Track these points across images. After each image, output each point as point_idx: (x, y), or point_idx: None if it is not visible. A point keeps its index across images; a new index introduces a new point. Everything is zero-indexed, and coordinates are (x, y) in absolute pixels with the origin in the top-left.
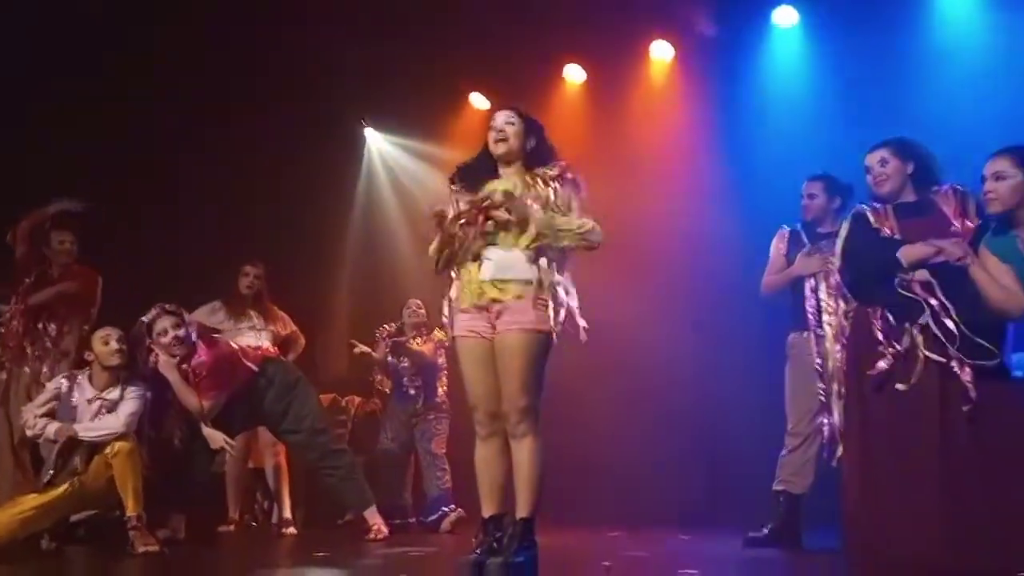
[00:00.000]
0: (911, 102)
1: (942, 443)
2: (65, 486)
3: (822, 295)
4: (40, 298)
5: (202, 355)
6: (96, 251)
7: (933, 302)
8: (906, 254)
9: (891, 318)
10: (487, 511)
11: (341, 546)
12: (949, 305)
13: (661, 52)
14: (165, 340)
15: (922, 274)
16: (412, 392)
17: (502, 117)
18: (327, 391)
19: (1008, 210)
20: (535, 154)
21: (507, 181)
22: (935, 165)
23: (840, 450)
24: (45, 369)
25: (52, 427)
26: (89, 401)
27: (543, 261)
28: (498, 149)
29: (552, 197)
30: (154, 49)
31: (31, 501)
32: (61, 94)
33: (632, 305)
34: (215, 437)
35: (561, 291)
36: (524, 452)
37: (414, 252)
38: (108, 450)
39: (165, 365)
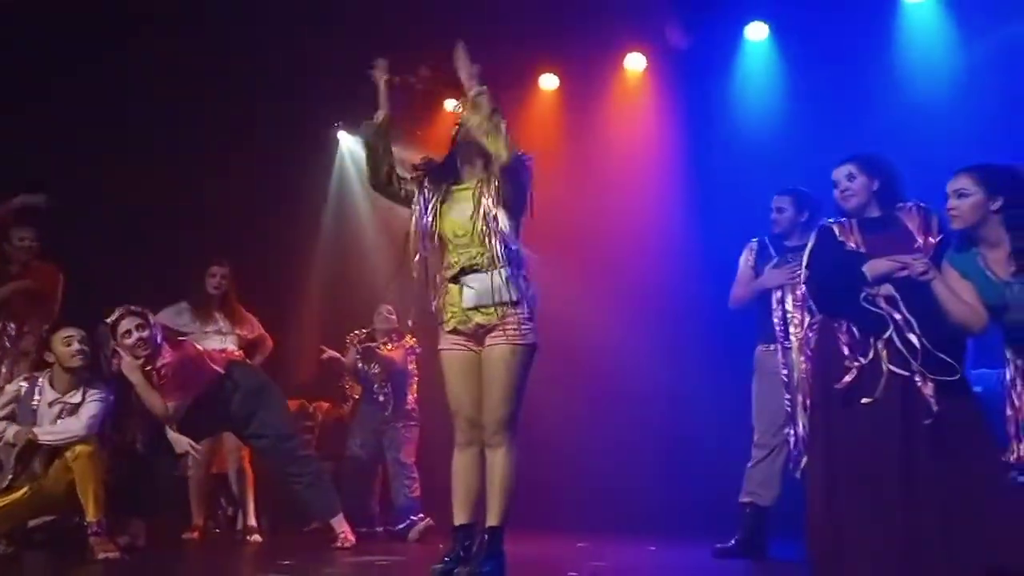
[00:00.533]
0: (878, 118)
1: (903, 456)
2: (24, 490)
3: (788, 307)
4: None
5: (167, 357)
6: (59, 248)
7: (897, 317)
8: (871, 268)
9: (856, 331)
10: (459, 519)
11: (307, 554)
12: (912, 320)
13: (634, 63)
14: (129, 341)
15: (887, 289)
16: (381, 399)
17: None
18: (295, 396)
19: (969, 227)
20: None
21: (464, 188)
22: (900, 182)
23: (804, 461)
24: (3, 370)
25: (11, 430)
26: (50, 404)
27: (522, 281)
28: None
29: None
30: (126, 47)
31: None
32: (27, 88)
33: (599, 315)
34: (180, 441)
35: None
36: (499, 461)
37: (386, 257)
38: (69, 454)
39: (128, 367)
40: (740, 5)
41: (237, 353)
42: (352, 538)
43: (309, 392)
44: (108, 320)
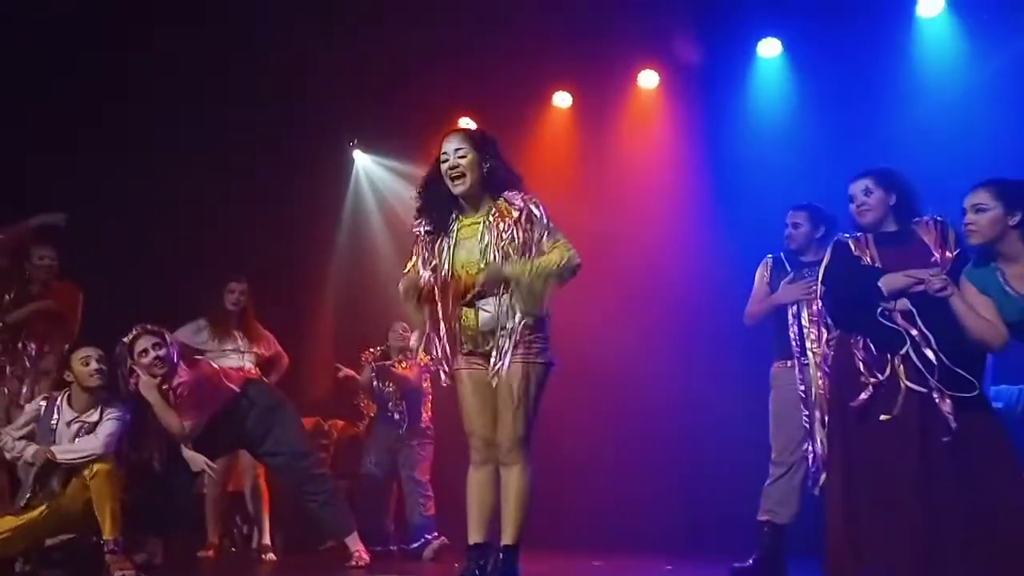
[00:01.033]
0: (893, 133)
1: (922, 473)
2: (42, 508)
3: (804, 323)
4: (18, 316)
5: (183, 376)
6: (76, 266)
7: (914, 332)
8: (887, 283)
9: (872, 347)
10: (473, 538)
11: (321, 572)
12: (929, 336)
13: (647, 80)
14: (145, 360)
15: (903, 304)
16: (396, 417)
17: (452, 148)
18: (310, 414)
19: (988, 242)
20: (494, 178)
21: (471, 223)
22: (916, 196)
23: (823, 479)
24: (25, 389)
25: (30, 450)
26: (68, 423)
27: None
28: (456, 189)
29: (519, 237)
30: (149, 66)
31: (7, 523)
32: (46, 105)
33: (615, 332)
34: (196, 460)
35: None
36: (514, 479)
37: (401, 275)
38: (86, 472)
39: (146, 386)
40: (752, 22)
41: (254, 371)
42: (367, 557)
43: (324, 410)
44: (125, 339)
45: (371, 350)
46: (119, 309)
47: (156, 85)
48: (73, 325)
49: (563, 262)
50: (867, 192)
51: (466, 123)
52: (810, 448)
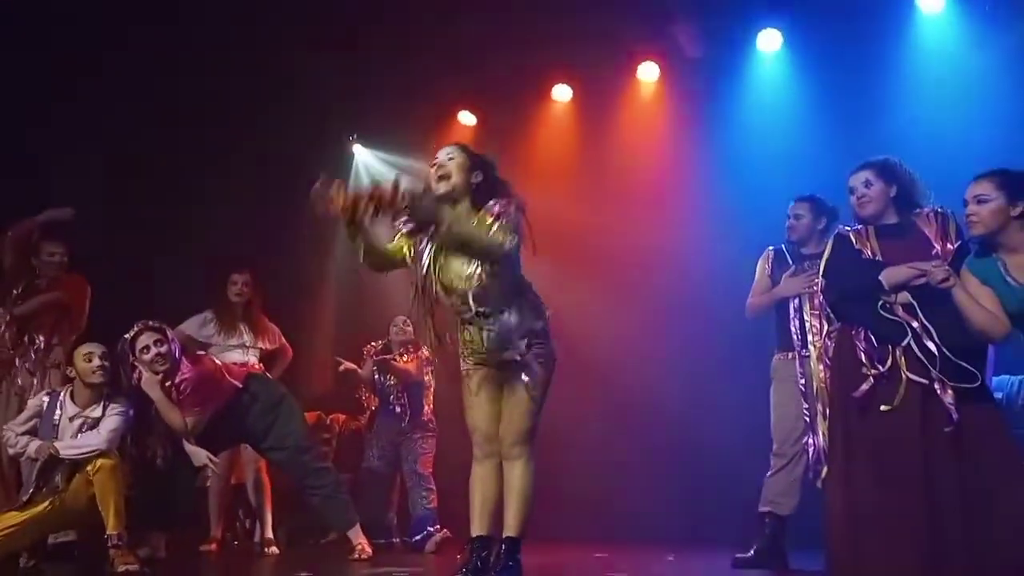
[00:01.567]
0: (894, 125)
1: (924, 464)
2: (46, 504)
3: (806, 316)
4: (26, 309)
5: (186, 372)
6: (87, 262)
7: (915, 324)
8: (888, 276)
9: (874, 340)
10: (476, 530)
11: (324, 565)
12: (931, 327)
13: (648, 72)
14: (147, 357)
15: (904, 296)
16: (398, 410)
17: (444, 152)
18: (312, 408)
19: (989, 233)
20: (482, 190)
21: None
22: (917, 188)
23: (824, 471)
24: (35, 382)
25: (33, 445)
26: (71, 419)
27: (532, 306)
28: (439, 188)
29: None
30: (146, 57)
31: (10, 519)
32: (50, 100)
33: (616, 323)
34: (198, 454)
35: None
36: (517, 473)
37: (401, 270)
38: (90, 468)
39: (148, 383)
40: (753, 14)
41: (257, 366)
42: (369, 550)
43: (326, 404)
44: (127, 336)
45: (372, 344)
46: (121, 304)
47: (154, 81)
48: (81, 318)
49: (486, 239)
50: (867, 184)
51: (466, 117)
52: (811, 440)
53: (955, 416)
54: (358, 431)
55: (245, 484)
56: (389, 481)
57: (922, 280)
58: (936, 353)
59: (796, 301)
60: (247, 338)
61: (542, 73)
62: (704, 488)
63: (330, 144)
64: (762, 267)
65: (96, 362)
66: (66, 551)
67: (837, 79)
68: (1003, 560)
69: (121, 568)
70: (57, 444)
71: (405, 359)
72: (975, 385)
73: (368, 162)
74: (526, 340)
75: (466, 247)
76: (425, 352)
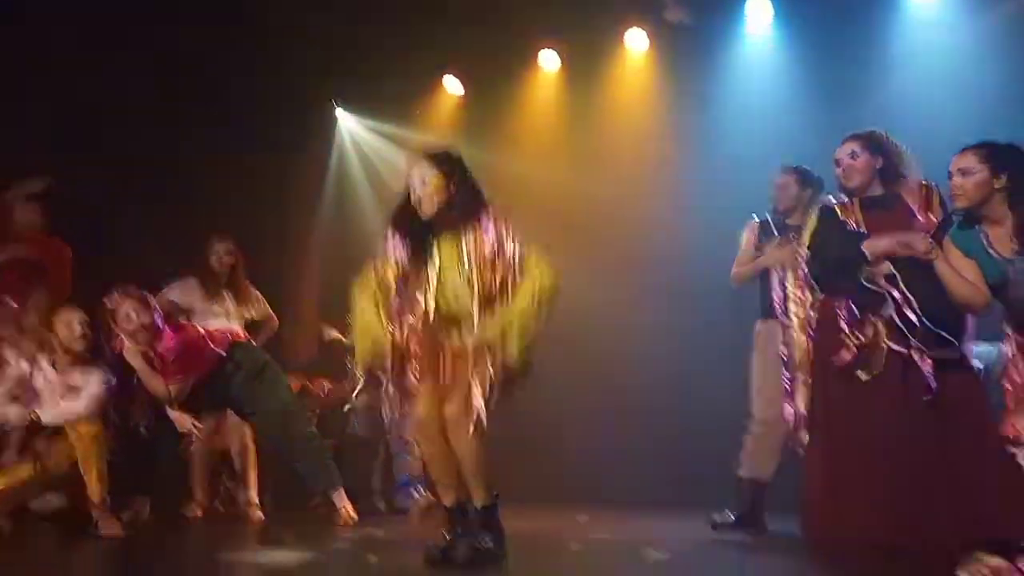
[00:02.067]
0: (881, 97)
1: (902, 431)
2: (28, 470)
3: (789, 285)
4: None
5: (168, 340)
6: (66, 229)
7: (896, 294)
8: (871, 247)
9: (855, 309)
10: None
11: (308, 530)
12: (911, 297)
13: (636, 41)
14: (128, 326)
15: (886, 267)
16: (383, 378)
17: (417, 178)
18: (296, 374)
19: (974, 205)
20: (460, 204)
21: (445, 249)
22: (903, 160)
23: (804, 437)
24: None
25: (14, 411)
26: (51, 384)
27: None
28: (424, 212)
29: (495, 279)
30: (119, 23)
31: None
32: (21, 65)
33: (601, 291)
34: (182, 420)
35: None
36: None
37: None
38: (72, 434)
39: (130, 352)
40: None
41: (241, 334)
42: (354, 514)
43: (311, 371)
44: (108, 303)
45: None
46: (101, 269)
47: (126, 41)
48: (63, 285)
49: (536, 297)
50: (853, 155)
51: (452, 83)
52: (790, 407)
53: (933, 385)
54: (343, 397)
55: (230, 449)
56: (373, 447)
57: (906, 252)
58: (916, 323)
59: (780, 271)
60: (230, 305)
61: (529, 39)
62: (685, 452)
63: (313, 109)
64: (747, 237)
65: (78, 330)
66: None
67: (826, 51)
68: (979, 527)
69: (104, 532)
70: (38, 411)
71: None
72: (954, 355)
73: (352, 128)
74: None
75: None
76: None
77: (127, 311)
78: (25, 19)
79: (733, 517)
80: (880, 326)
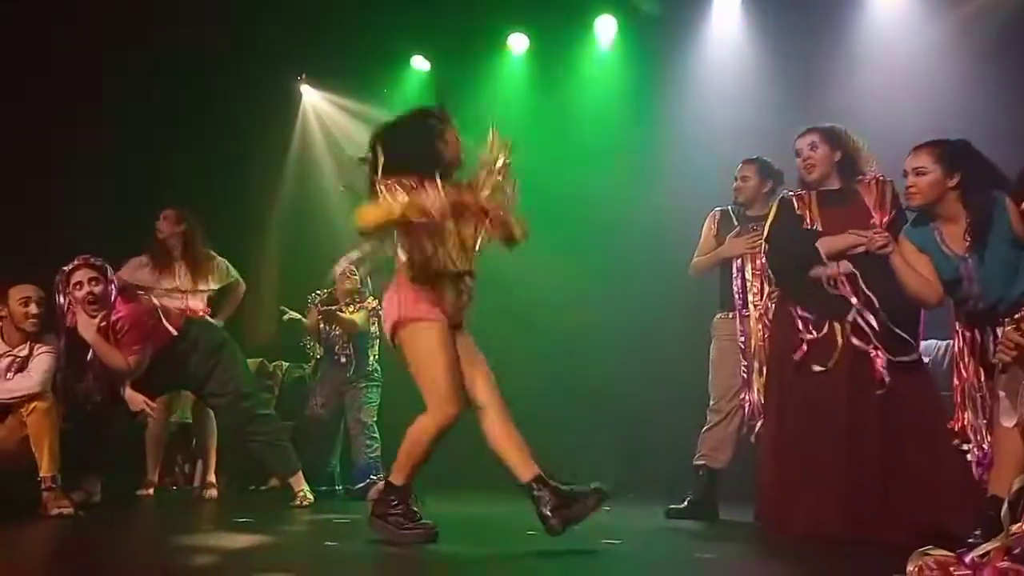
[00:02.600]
0: (845, 91)
1: (852, 424)
2: None
3: (748, 276)
4: None
5: (121, 311)
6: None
7: (855, 300)
8: (825, 246)
9: (810, 307)
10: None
11: (264, 511)
12: (873, 297)
13: (605, 27)
14: (79, 294)
15: (846, 266)
16: (343, 360)
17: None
18: (255, 355)
19: (928, 204)
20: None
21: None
22: (861, 156)
23: (758, 426)
24: None
25: None
26: (2, 360)
27: None
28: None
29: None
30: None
31: None
32: None
33: (558, 274)
34: (135, 399)
35: None
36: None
37: (348, 215)
38: (23, 409)
39: (84, 326)
40: None
41: (200, 310)
42: (310, 496)
43: (270, 351)
44: (65, 268)
45: (318, 292)
46: (55, 244)
47: (84, 12)
48: None
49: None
50: (813, 147)
51: (420, 62)
52: (747, 397)
53: (886, 379)
54: (301, 379)
55: (186, 426)
56: (332, 429)
57: (861, 249)
58: (877, 327)
59: (739, 262)
60: (184, 281)
61: (497, 19)
62: (640, 440)
63: (278, 84)
64: (708, 227)
65: (32, 308)
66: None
67: (792, 44)
68: (927, 521)
69: (54, 511)
70: None
71: (351, 309)
72: (911, 353)
73: (316, 103)
74: None
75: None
76: (372, 302)
77: (80, 278)
78: None
79: (687, 504)
80: (837, 326)
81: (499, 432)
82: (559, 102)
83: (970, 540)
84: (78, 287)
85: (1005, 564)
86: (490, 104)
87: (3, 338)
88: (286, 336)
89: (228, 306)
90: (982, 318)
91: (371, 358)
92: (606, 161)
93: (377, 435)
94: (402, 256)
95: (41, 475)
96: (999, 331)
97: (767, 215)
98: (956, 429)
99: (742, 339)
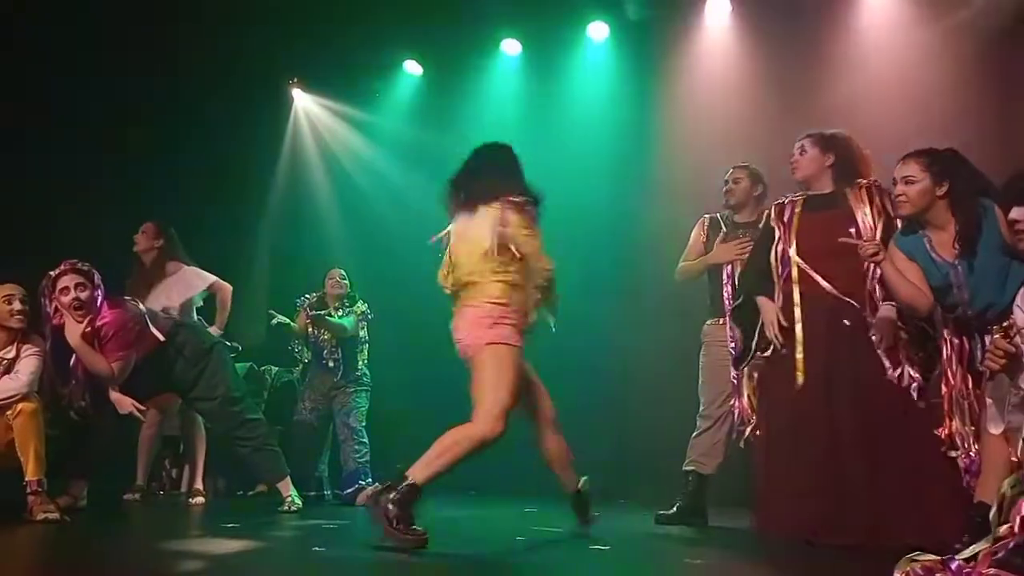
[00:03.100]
0: (838, 96)
1: (831, 428)
2: None
3: (737, 283)
4: None
5: (106, 316)
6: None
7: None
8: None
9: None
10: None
11: (252, 517)
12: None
13: (597, 32)
14: (65, 299)
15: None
16: (331, 365)
17: None
18: (243, 359)
19: (917, 212)
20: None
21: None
22: (862, 161)
23: (748, 432)
24: None
25: None
26: None
27: None
28: None
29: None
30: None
31: None
32: None
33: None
34: (122, 402)
35: None
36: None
37: (339, 220)
38: (9, 412)
39: (70, 332)
40: None
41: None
42: (299, 502)
43: (259, 356)
44: (52, 272)
45: (306, 296)
46: (44, 250)
47: (77, 14)
48: None
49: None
50: (801, 151)
51: (412, 66)
52: (736, 403)
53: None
54: (290, 383)
55: (175, 434)
56: (321, 434)
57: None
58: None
59: (728, 268)
60: (161, 299)
61: (490, 25)
62: (630, 446)
63: (270, 88)
64: (697, 233)
65: (17, 305)
66: None
67: (783, 48)
68: (916, 528)
69: (40, 516)
70: None
71: (340, 314)
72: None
73: (308, 108)
74: None
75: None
76: (361, 307)
77: (67, 283)
78: None
79: (676, 509)
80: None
81: (556, 447)
82: (550, 107)
83: (957, 546)
84: (64, 292)
85: (992, 571)
86: (482, 109)
87: None
88: (275, 340)
89: (218, 310)
90: (970, 325)
91: (360, 362)
92: (597, 167)
93: (366, 440)
94: (498, 279)
95: (27, 479)
96: (987, 339)
97: (755, 221)
98: (944, 436)
99: (732, 345)
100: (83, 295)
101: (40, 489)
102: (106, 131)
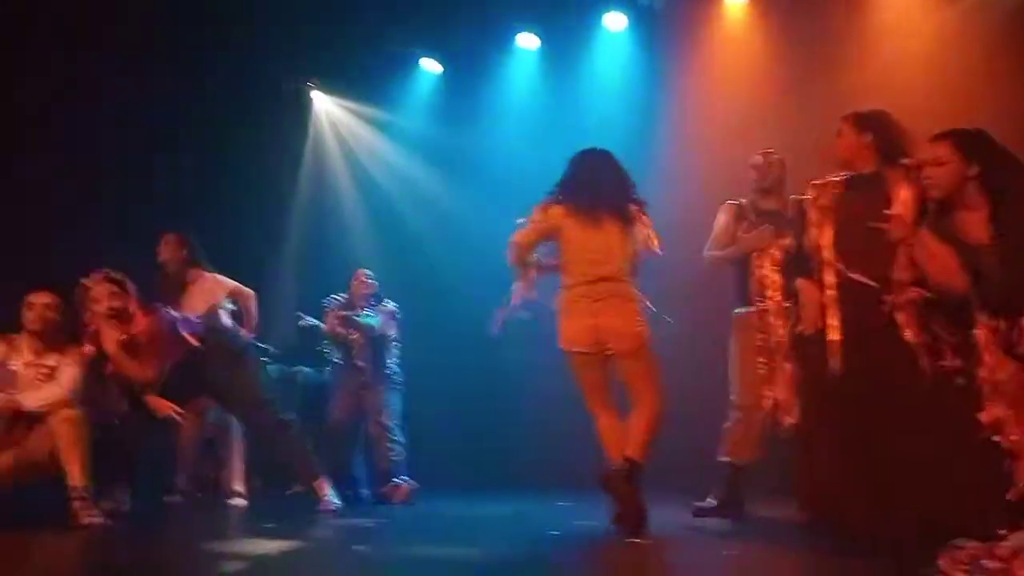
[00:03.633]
0: (859, 79)
1: (869, 417)
2: (8, 455)
3: (765, 271)
4: None
5: (140, 324)
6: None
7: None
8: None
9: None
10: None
11: (290, 517)
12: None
13: (614, 23)
14: (99, 308)
15: None
16: (361, 364)
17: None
18: (274, 361)
19: (947, 194)
20: None
21: None
22: (901, 138)
23: (782, 422)
24: None
25: None
26: (27, 365)
27: None
28: None
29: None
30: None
31: None
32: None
33: None
34: (160, 405)
35: None
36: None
37: (363, 220)
38: (53, 419)
39: (107, 339)
40: None
41: (220, 320)
42: (337, 501)
43: (289, 357)
44: (86, 283)
45: (334, 297)
46: (70, 258)
47: (105, 29)
48: None
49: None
50: (839, 134)
51: (430, 64)
52: (769, 394)
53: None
54: (322, 384)
55: (211, 436)
56: (353, 433)
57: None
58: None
59: (755, 256)
60: (187, 306)
61: (507, 20)
62: (665, 438)
63: (289, 92)
64: (722, 220)
65: (35, 312)
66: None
67: (802, 33)
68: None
69: (85, 521)
70: (19, 397)
71: (368, 313)
72: None
73: (328, 110)
74: None
75: None
76: (389, 305)
77: (101, 292)
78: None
79: (713, 502)
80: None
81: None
82: (569, 99)
83: (1002, 532)
84: (97, 302)
85: None
86: (501, 104)
87: (28, 347)
88: (305, 342)
89: (244, 315)
90: (1007, 308)
91: (389, 361)
92: (619, 152)
93: (400, 438)
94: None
95: (71, 485)
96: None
97: (779, 209)
98: (985, 421)
99: (761, 334)
100: (117, 304)
101: (84, 495)
102: (128, 136)
